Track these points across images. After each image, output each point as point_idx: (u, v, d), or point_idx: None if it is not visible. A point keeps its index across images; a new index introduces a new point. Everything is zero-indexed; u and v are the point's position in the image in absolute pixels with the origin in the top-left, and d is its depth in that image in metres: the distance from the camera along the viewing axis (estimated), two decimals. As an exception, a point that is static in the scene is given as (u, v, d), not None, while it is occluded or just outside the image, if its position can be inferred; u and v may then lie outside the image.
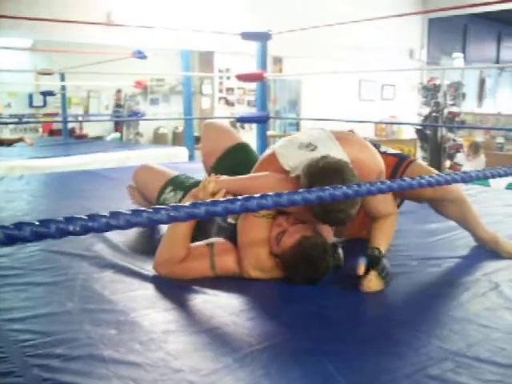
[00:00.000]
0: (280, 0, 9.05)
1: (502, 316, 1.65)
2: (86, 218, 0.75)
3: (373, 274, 1.84)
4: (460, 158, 8.67)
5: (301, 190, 1.00)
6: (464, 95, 9.31)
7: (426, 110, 9.29)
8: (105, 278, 1.96)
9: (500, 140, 10.05)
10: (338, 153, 1.92)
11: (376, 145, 2.21)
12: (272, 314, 1.68)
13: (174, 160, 5.46)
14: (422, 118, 9.39)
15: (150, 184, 2.59)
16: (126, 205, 2.75)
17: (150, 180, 2.61)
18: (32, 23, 5.05)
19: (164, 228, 2.10)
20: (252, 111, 7.57)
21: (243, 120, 4.61)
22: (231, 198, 0.92)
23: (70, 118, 8.89)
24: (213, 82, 10.28)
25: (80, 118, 9.70)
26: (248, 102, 10.39)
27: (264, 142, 4.23)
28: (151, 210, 0.81)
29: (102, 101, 10.52)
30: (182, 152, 6.05)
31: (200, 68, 9.89)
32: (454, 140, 8.98)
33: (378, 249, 1.92)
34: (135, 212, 0.81)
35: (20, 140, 7.25)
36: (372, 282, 1.84)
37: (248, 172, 2.10)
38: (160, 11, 7.39)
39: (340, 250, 1.98)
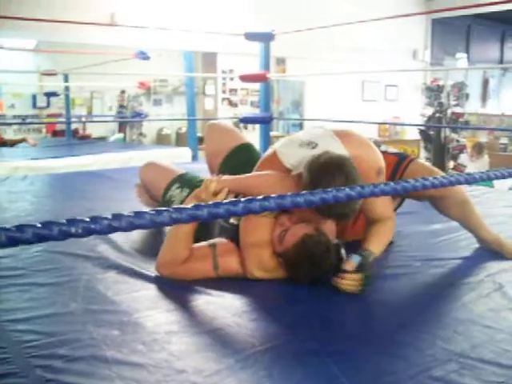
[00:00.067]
0: (283, 0, 9.04)
1: (506, 317, 1.65)
2: (88, 220, 0.75)
3: (357, 277, 1.80)
4: (463, 158, 8.65)
5: (304, 192, 1.00)
6: (467, 96, 9.29)
7: (429, 111, 9.27)
8: (108, 279, 1.96)
9: (504, 141, 10.03)
10: (338, 149, 1.93)
11: (376, 144, 2.21)
12: (275, 315, 1.68)
13: (178, 160, 5.45)
14: (425, 118, 9.36)
15: (156, 181, 2.59)
16: (129, 206, 2.75)
17: (157, 177, 2.60)
18: (35, 24, 5.05)
19: (167, 229, 2.09)
20: (255, 112, 7.56)
21: (246, 121, 4.61)
22: (233, 197, 0.92)
23: (73, 119, 8.90)
24: (216, 83, 10.28)
25: (83, 119, 9.73)
26: (251, 103, 10.39)
27: (267, 142, 4.22)
28: (154, 212, 0.81)
29: (106, 101, 10.54)
30: (185, 152, 6.05)
31: (203, 69, 9.89)
32: (457, 141, 8.96)
33: (372, 254, 1.89)
34: (138, 214, 0.81)
35: (23, 140, 7.27)
36: (352, 284, 1.80)
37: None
38: (163, 12, 7.39)
39: (343, 250, 1.97)
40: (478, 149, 8.04)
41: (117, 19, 6.91)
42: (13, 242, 0.71)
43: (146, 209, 0.89)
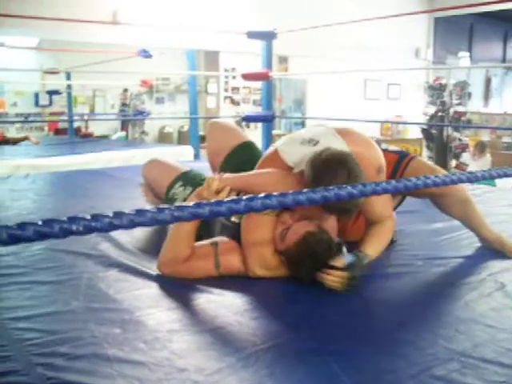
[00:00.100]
0: (286, -1, 9.04)
1: (508, 316, 1.65)
2: (89, 217, 0.75)
3: (343, 274, 1.78)
4: (466, 157, 8.64)
5: (305, 190, 1.00)
6: (470, 94, 9.27)
7: (431, 110, 9.26)
8: (110, 277, 1.96)
9: (506, 139, 10.02)
10: (340, 146, 1.93)
11: (377, 142, 2.21)
12: (276, 314, 1.68)
13: (180, 159, 5.45)
14: (427, 117, 9.35)
15: (159, 179, 2.58)
16: (132, 204, 2.75)
17: (160, 174, 2.60)
18: (37, 22, 5.06)
19: (171, 227, 2.09)
20: (257, 110, 7.56)
21: (249, 119, 4.61)
22: (235, 195, 0.92)
23: (75, 117, 8.91)
24: (218, 81, 10.28)
25: (86, 117, 9.73)
26: (253, 101, 10.39)
27: (269, 141, 4.22)
28: (155, 210, 0.81)
29: (108, 100, 10.54)
30: (187, 151, 6.05)
31: (206, 67, 9.89)
32: (459, 139, 8.95)
33: (367, 256, 1.88)
34: (139, 212, 0.80)
35: (25, 139, 7.28)
36: (336, 281, 1.79)
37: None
38: (166, 10, 7.39)
39: (344, 249, 1.97)
40: (480, 147, 8.03)
41: (119, 17, 6.91)
42: (14, 239, 0.71)
43: (149, 207, 0.89)
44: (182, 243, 1.93)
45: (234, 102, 10.29)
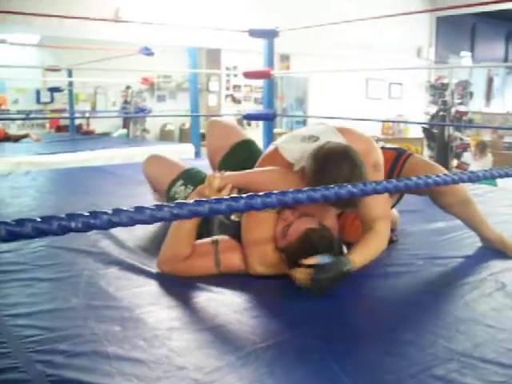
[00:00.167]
0: (288, -3, 9.03)
1: (508, 316, 1.64)
2: (87, 214, 0.75)
3: (307, 271, 1.74)
4: (467, 157, 8.64)
5: (305, 188, 1.00)
6: (472, 94, 9.26)
7: (433, 109, 9.25)
8: (110, 275, 1.96)
9: (508, 139, 10.00)
10: (340, 141, 1.93)
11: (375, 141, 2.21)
12: (276, 312, 1.68)
13: (181, 157, 5.45)
14: (429, 116, 9.35)
15: (160, 176, 2.57)
16: (133, 201, 2.75)
17: (161, 172, 2.59)
18: (39, 19, 5.06)
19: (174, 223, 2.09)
20: (259, 109, 7.56)
21: (250, 117, 4.62)
22: (236, 193, 0.91)
23: (77, 114, 8.91)
24: (220, 79, 10.27)
25: (87, 115, 9.74)
26: (255, 100, 10.38)
27: (271, 139, 4.22)
28: (154, 208, 0.81)
29: (109, 97, 10.55)
30: (188, 149, 6.06)
31: (207, 65, 9.88)
32: (461, 139, 8.94)
33: (350, 263, 1.78)
34: (138, 209, 0.80)
35: (26, 136, 7.28)
36: (300, 278, 1.75)
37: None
38: (167, 8, 7.39)
39: (345, 248, 1.97)
40: (482, 147, 8.02)
41: (121, 15, 6.91)
42: (12, 236, 0.70)
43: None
44: (182, 241, 1.93)
45: (236, 100, 10.28)
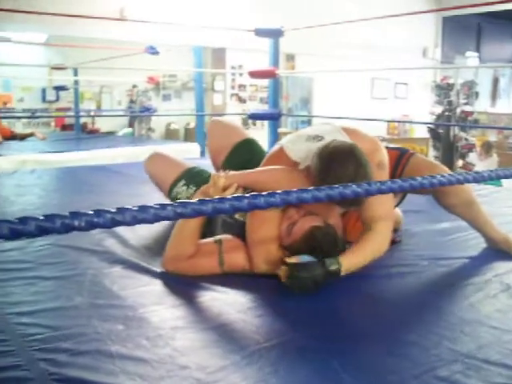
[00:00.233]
0: (293, -3, 9.02)
1: (512, 318, 1.64)
2: (91, 213, 0.75)
3: (284, 268, 1.75)
4: (472, 157, 8.62)
5: (310, 188, 1.00)
6: (477, 94, 9.23)
7: (438, 109, 9.23)
8: (114, 274, 1.96)
9: (513, 140, 9.98)
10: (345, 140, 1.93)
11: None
12: (280, 312, 1.68)
13: (186, 156, 5.45)
14: (434, 116, 9.33)
15: (162, 175, 2.57)
16: (137, 200, 2.74)
17: (163, 170, 2.58)
18: (45, 18, 5.06)
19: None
20: (264, 108, 7.55)
21: (255, 117, 4.62)
22: (241, 192, 0.91)
23: (82, 113, 8.93)
24: (225, 79, 10.26)
25: (92, 113, 9.75)
26: (260, 99, 10.36)
27: (276, 139, 4.22)
28: (158, 207, 0.81)
29: (115, 96, 10.56)
30: (193, 148, 6.06)
31: (212, 64, 9.87)
32: (466, 139, 8.92)
33: (339, 265, 1.78)
34: (141, 208, 0.80)
35: (32, 135, 7.30)
36: (281, 274, 1.76)
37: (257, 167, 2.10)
38: (173, 7, 7.39)
39: (348, 246, 1.96)
40: (487, 148, 8.00)
41: (126, 14, 6.91)
42: (15, 234, 0.70)
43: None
44: (186, 241, 1.93)
45: (241, 100, 10.27)
